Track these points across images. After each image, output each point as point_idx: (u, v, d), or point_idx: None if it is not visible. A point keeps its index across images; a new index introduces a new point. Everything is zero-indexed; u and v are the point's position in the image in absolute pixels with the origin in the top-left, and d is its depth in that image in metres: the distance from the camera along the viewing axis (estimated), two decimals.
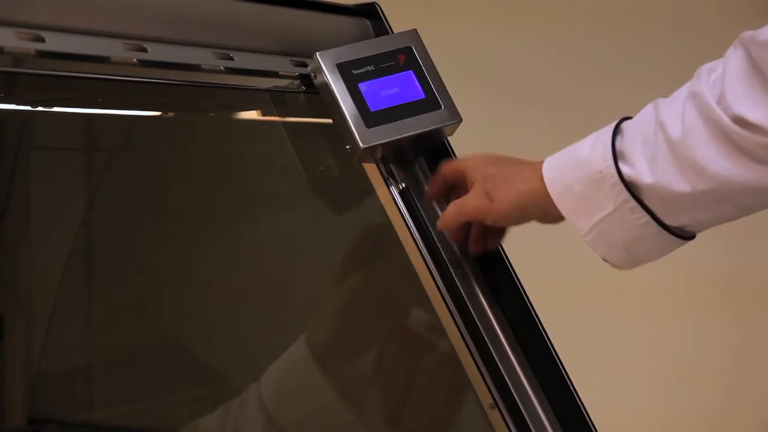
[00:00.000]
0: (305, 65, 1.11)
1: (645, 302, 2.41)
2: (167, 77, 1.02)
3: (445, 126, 1.13)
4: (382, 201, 1.20)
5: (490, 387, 1.09)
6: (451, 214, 1.05)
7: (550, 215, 0.99)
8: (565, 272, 2.17)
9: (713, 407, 2.43)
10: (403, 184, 1.12)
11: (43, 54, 0.89)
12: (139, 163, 1.15)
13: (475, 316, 1.12)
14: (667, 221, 0.92)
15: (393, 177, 1.13)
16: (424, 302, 1.09)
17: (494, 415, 1.10)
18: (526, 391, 1.10)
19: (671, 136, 0.89)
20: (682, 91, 0.91)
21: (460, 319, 1.09)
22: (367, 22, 1.21)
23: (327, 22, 1.18)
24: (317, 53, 1.09)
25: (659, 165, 0.90)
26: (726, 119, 0.85)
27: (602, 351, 2.33)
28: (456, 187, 1.08)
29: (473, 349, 1.10)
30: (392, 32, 1.19)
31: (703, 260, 2.38)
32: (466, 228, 1.09)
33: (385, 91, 1.10)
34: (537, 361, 1.10)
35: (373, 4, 1.20)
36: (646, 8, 2.41)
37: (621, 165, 0.92)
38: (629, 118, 0.95)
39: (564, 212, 0.96)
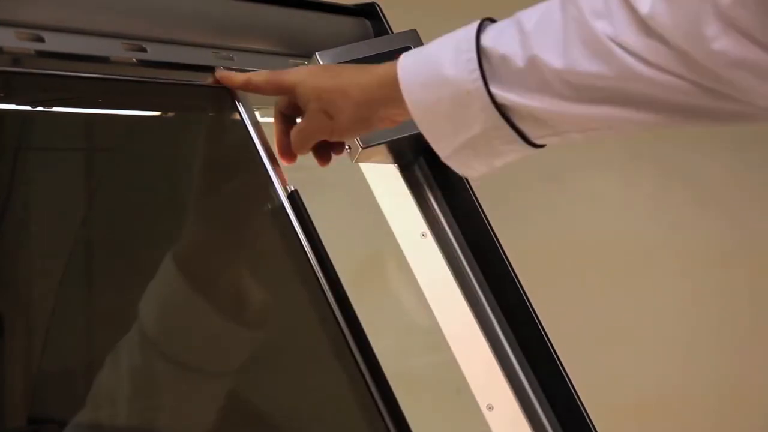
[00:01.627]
0: (305, 65, 1.11)
1: (645, 300, 2.41)
2: (167, 77, 1.02)
3: None
4: (378, 201, 1.20)
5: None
6: (295, 140, 1.00)
7: (393, 119, 0.95)
8: (564, 270, 2.18)
9: (714, 408, 2.43)
10: (291, 187, 1.05)
11: (42, 54, 0.90)
12: (138, 163, 1.15)
13: (475, 317, 1.13)
14: (537, 141, 0.89)
15: (280, 179, 1.05)
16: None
17: (494, 416, 1.10)
18: (526, 391, 1.10)
19: (549, 69, 0.83)
20: (553, 16, 0.85)
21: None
22: (367, 22, 1.21)
23: (327, 22, 1.18)
24: (317, 53, 1.09)
25: (535, 96, 0.84)
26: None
27: (602, 350, 2.33)
28: (283, 108, 1.02)
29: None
30: (392, 32, 1.19)
31: (707, 230, 2.38)
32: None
33: None
34: (537, 361, 1.10)
35: (373, 4, 1.21)
36: None
37: (492, 86, 0.86)
38: (484, 21, 0.89)
39: (425, 132, 0.91)
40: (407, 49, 1.14)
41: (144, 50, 0.97)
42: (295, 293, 1.05)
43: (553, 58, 0.84)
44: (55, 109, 1.03)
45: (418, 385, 1.87)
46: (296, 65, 1.12)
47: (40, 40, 0.89)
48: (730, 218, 2.42)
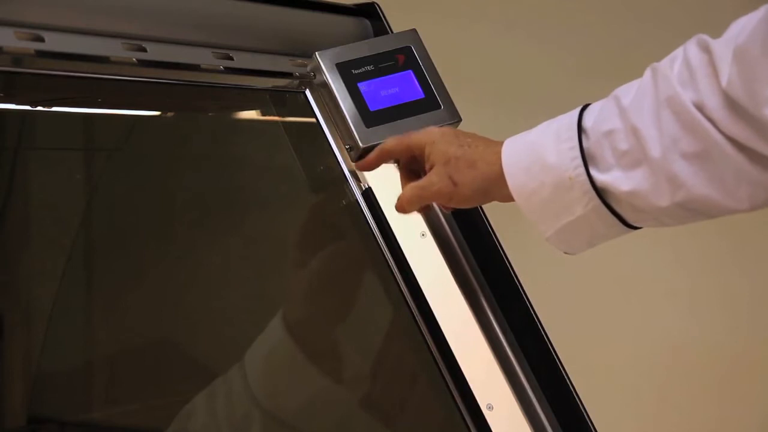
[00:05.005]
0: (305, 65, 1.11)
1: (644, 299, 2.41)
2: (167, 77, 1.02)
3: (444, 126, 1.13)
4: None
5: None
6: (413, 197, 1.01)
7: (511, 197, 0.97)
8: (564, 270, 2.17)
9: (712, 410, 2.43)
10: (366, 185, 1.10)
11: (42, 54, 0.90)
12: (139, 163, 1.15)
13: (474, 316, 1.12)
14: (635, 224, 0.91)
15: (355, 176, 1.12)
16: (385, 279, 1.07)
17: (494, 416, 1.10)
18: (526, 391, 1.10)
19: (649, 148, 0.86)
20: (647, 89, 0.87)
21: (419, 320, 1.09)
22: (367, 22, 1.21)
23: (327, 22, 1.18)
24: (317, 53, 1.09)
25: (635, 174, 0.87)
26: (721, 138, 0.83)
27: (601, 349, 2.33)
28: (408, 163, 1.04)
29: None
30: (392, 32, 1.19)
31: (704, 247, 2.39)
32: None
33: (384, 90, 1.10)
34: (537, 361, 1.10)
35: (373, 4, 1.20)
36: (648, 6, 2.41)
37: (592, 171, 0.89)
38: (587, 106, 0.92)
39: (528, 214, 0.95)
40: (407, 48, 1.14)
41: (144, 50, 0.97)
42: (375, 290, 1.11)
43: (650, 129, 0.86)
44: (55, 109, 1.03)
45: None
46: (297, 65, 1.12)
47: (40, 40, 0.89)
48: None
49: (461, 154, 0.98)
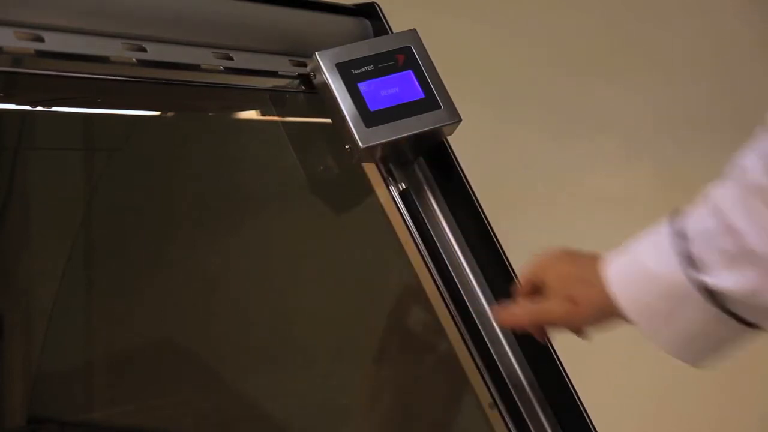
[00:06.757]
0: (305, 65, 1.11)
1: None
2: (167, 77, 1.02)
3: (444, 126, 1.13)
4: (381, 201, 1.21)
5: (490, 387, 1.09)
6: (529, 320, 1.00)
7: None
8: None
9: (712, 410, 2.43)
10: (403, 185, 1.11)
11: (42, 54, 0.89)
12: (138, 163, 1.15)
13: (474, 316, 1.13)
14: (764, 326, 0.87)
15: (393, 177, 1.13)
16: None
17: (494, 415, 1.10)
18: (526, 391, 1.10)
19: (749, 244, 0.82)
20: (732, 186, 0.84)
21: (459, 319, 1.09)
22: (367, 22, 1.21)
23: (327, 22, 1.18)
24: (317, 53, 1.09)
25: (744, 273, 0.83)
26: None
27: (601, 350, 2.33)
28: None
29: (473, 349, 1.10)
30: (392, 32, 1.19)
31: None
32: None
33: (384, 90, 1.10)
34: (537, 361, 1.10)
35: (372, 4, 1.20)
36: (648, 6, 2.41)
37: (702, 276, 0.85)
38: (678, 212, 0.88)
39: (644, 330, 0.91)
40: (407, 48, 1.14)
41: (144, 50, 0.97)
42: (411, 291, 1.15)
43: (744, 224, 0.82)
44: (55, 109, 1.03)
45: None
46: (296, 65, 1.12)
47: (40, 40, 0.89)
48: None
49: (578, 274, 0.95)
